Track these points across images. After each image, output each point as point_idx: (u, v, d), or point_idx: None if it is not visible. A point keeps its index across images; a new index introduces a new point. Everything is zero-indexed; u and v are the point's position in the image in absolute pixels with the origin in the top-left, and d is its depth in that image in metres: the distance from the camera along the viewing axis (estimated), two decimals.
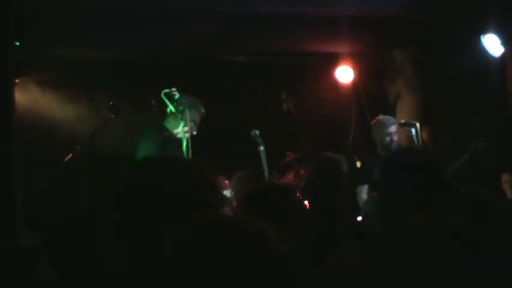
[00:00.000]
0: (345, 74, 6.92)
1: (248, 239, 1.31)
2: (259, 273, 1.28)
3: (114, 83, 6.36)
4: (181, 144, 5.18)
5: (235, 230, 1.32)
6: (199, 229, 1.34)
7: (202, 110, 5.34)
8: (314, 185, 4.15)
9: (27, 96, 6.12)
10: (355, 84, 7.01)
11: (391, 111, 7.06)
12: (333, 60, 6.90)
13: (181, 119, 4.97)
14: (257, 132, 5.33)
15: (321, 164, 4.29)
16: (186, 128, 5.00)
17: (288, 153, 5.85)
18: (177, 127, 5.22)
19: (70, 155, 5.25)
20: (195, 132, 5.17)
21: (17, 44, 4.57)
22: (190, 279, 1.29)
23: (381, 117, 6.01)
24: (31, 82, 6.21)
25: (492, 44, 5.62)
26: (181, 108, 4.98)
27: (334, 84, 6.98)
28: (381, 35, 6.41)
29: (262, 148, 5.24)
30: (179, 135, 5.23)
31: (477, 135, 6.03)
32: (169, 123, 5.27)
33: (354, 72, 6.91)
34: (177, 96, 5.03)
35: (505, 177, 6.06)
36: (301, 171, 5.27)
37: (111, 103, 5.42)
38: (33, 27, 5.21)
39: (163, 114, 5.30)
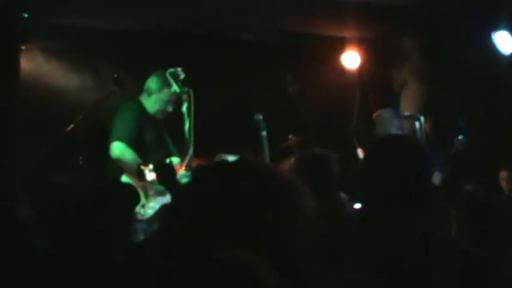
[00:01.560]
0: (351, 59, 6.87)
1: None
2: None
3: (119, 54, 6.32)
4: (158, 125, 5.13)
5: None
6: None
7: None
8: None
9: (32, 64, 6.09)
10: (361, 70, 6.97)
11: (396, 99, 7.04)
12: (340, 45, 6.85)
13: (185, 99, 4.91)
14: (260, 116, 5.28)
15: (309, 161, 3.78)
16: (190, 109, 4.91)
17: (290, 136, 5.84)
18: (156, 107, 5.09)
19: (72, 125, 5.23)
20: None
21: (25, 15, 4.52)
22: None
23: (382, 111, 5.86)
24: (36, 50, 6.16)
25: (503, 41, 5.57)
26: (185, 89, 4.92)
27: (340, 69, 6.93)
28: (390, 22, 6.37)
29: (264, 133, 5.20)
30: (158, 116, 5.12)
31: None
32: (147, 101, 5.10)
33: (361, 57, 6.87)
34: (182, 76, 4.96)
35: (502, 174, 6.06)
36: None
37: (115, 75, 5.37)
38: None
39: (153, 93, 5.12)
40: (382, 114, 5.82)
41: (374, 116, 5.88)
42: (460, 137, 5.44)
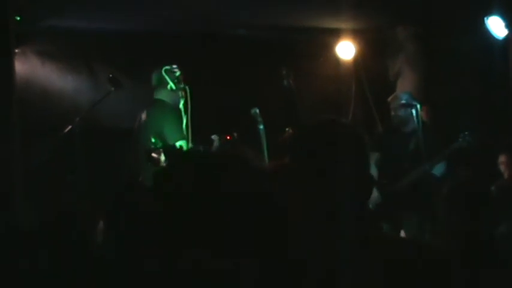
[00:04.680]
0: (346, 50, 6.87)
1: None
2: None
3: (114, 55, 6.33)
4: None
5: None
6: None
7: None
8: None
9: (27, 67, 6.09)
10: (356, 60, 6.97)
11: (391, 88, 7.05)
12: (334, 37, 6.85)
13: (182, 97, 4.92)
14: (257, 110, 5.27)
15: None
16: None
17: (287, 129, 5.83)
18: (177, 102, 5.12)
19: (69, 127, 5.23)
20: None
21: (18, 18, 4.52)
22: None
23: (399, 94, 5.80)
24: (31, 52, 6.17)
25: (496, 26, 5.58)
26: (182, 86, 4.93)
27: (335, 61, 6.93)
28: (384, 12, 6.37)
29: (261, 127, 5.20)
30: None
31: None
32: (168, 97, 5.10)
33: (355, 48, 6.87)
34: (177, 73, 4.97)
35: (501, 158, 6.06)
36: None
37: (110, 75, 5.38)
38: None
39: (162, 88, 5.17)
40: (398, 97, 5.71)
41: (389, 99, 5.80)
42: (466, 133, 5.35)
